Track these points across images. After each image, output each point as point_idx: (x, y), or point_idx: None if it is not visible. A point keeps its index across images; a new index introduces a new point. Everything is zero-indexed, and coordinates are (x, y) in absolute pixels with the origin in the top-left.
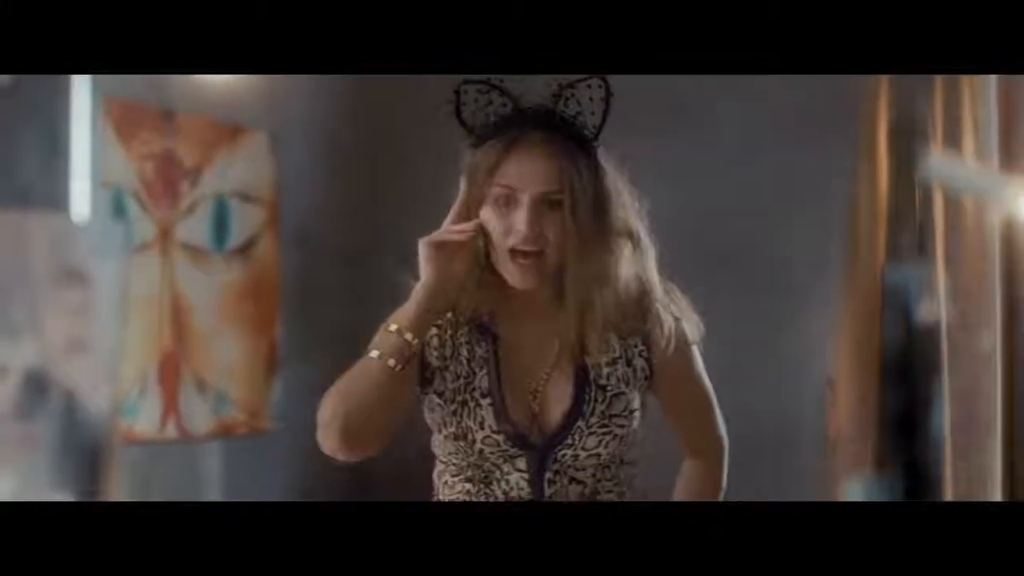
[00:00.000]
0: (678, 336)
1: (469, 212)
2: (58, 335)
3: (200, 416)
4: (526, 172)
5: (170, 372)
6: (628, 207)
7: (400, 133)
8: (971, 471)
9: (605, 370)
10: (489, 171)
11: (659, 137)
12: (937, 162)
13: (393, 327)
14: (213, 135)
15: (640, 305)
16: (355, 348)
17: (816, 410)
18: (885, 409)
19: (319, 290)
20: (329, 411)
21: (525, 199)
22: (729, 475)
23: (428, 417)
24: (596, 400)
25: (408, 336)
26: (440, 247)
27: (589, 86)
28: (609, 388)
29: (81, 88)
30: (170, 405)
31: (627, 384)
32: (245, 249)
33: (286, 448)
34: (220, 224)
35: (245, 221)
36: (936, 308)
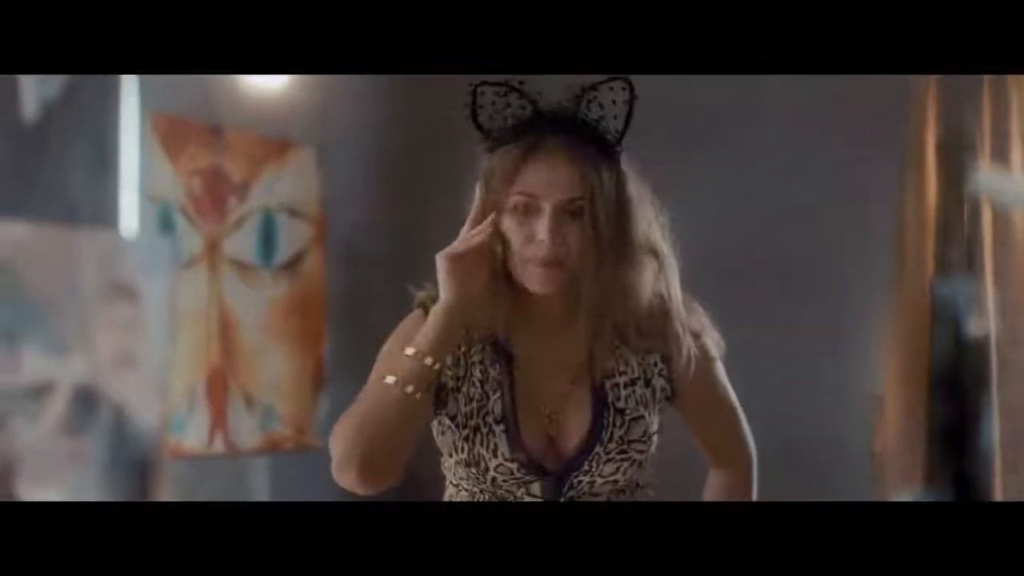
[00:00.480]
0: (701, 353)
1: (494, 224)
2: (107, 350)
3: (247, 431)
4: (547, 179)
5: (218, 387)
6: (651, 219)
7: (447, 147)
8: (1021, 484)
9: (623, 392)
10: (507, 177)
11: (708, 146)
12: (985, 176)
13: (411, 351)
14: (261, 150)
15: (660, 323)
16: None
17: (864, 424)
18: (933, 423)
19: (366, 305)
20: (345, 445)
21: (547, 208)
22: (774, 488)
23: (439, 440)
24: (614, 425)
25: (428, 360)
26: (460, 260)
27: (612, 88)
28: (627, 412)
29: (129, 103)
30: (218, 420)
31: (645, 406)
32: (292, 264)
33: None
34: (267, 239)
35: (292, 236)
36: (985, 322)
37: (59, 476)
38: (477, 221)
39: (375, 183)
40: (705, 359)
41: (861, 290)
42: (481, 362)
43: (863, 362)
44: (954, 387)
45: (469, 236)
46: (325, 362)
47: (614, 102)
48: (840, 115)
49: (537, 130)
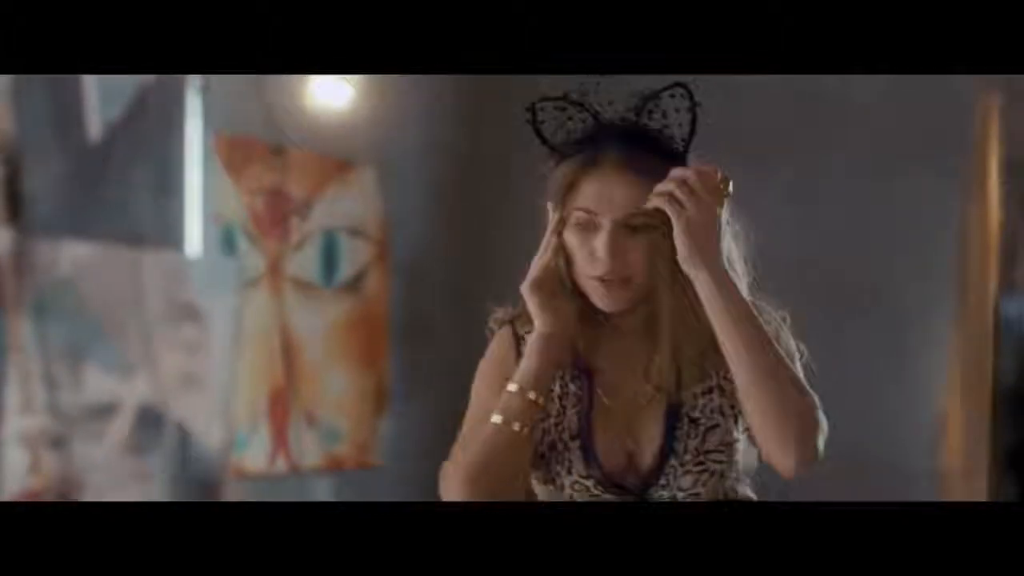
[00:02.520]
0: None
1: (559, 238)
2: (171, 370)
3: (309, 450)
4: (605, 194)
5: (280, 406)
6: (722, 230)
7: (508, 166)
8: None
9: (700, 401)
10: (566, 192)
11: (771, 171)
12: None
13: (514, 387)
14: (322, 170)
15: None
16: (464, 384)
17: (928, 444)
18: (998, 443)
19: (428, 324)
20: (460, 490)
21: (606, 223)
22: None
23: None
24: (688, 436)
25: (531, 395)
26: (541, 286)
27: (672, 95)
28: (702, 421)
29: (193, 123)
30: (280, 439)
31: (723, 415)
32: (354, 284)
33: (394, 483)
34: (329, 259)
35: (354, 256)
36: None
37: (124, 495)
38: (551, 241)
39: (436, 202)
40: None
41: (925, 310)
42: (561, 377)
43: (927, 382)
44: (1019, 406)
45: (537, 258)
46: (387, 381)
47: (677, 110)
48: (903, 137)
49: (598, 143)
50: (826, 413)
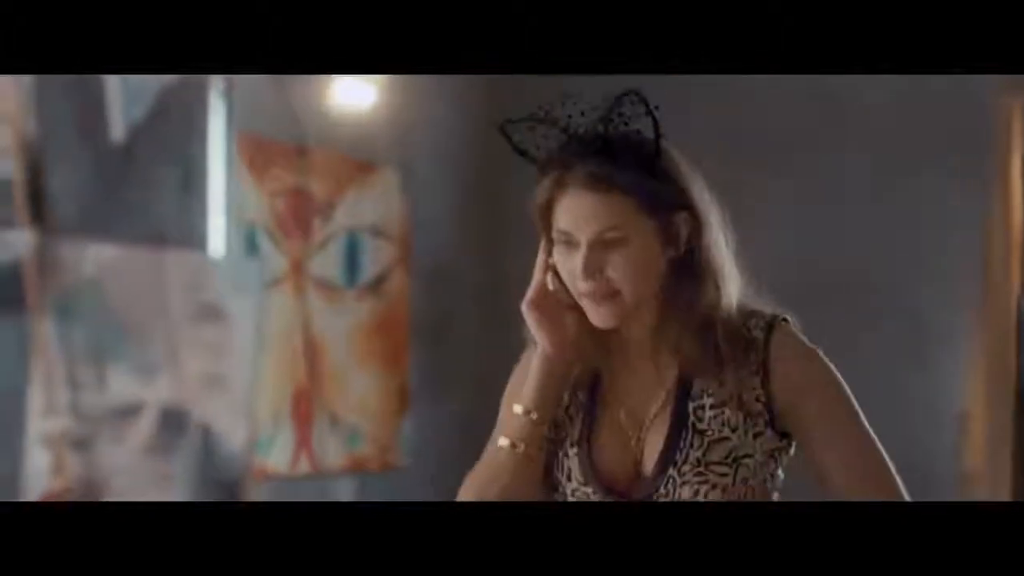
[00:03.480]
0: (802, 376)
1: (547, 256)
2: (194, 371)
3: (332, 451)
4: (578, 214)
5: (303, 407)
6: (713, 230)
7: (531, 167)
8: None
9: (708, 413)
10: (543, 213)
11: (791, 170)
12: None
13: (518, 408)
14: (345, 170)
15: (735, 338)
16: (486, 385)
17: (950, 443)
18: (1022, 441)
19: (450, 325)
20: None
21: (583, 242)
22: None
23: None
24: (691, 446)
25: (533, 416)
26: (538, 306)
27: (632, 102)
28: (709, 433)
29: (216, 124)
30: (303, 440)
31: (734, 429)
32: (376, 284)
33: (416, 484)
34: (352, 259)
35: (376, 256)
36: None
37: (146, 496)
38: (543, 260)
39: (459, 203)
40: (808, 382)
41: (947, 309)
42: (570, 385)
43: (949, 381)
44: None
45: (533, 279)
46: (409, 382)
47: (638, 115)
48: (924, 135)
49: (566, 160)
50: None
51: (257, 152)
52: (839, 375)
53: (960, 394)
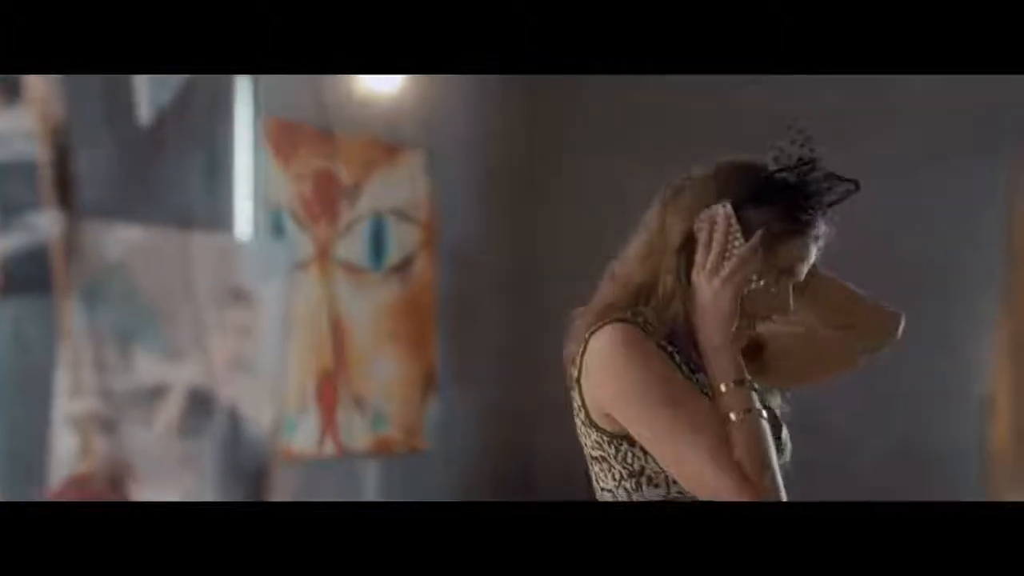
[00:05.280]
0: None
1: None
2: (221, 354)
3: (358, 434)
4: (803, 258)
5: (328, 390)
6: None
7: (557, 151)
8: None
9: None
10: (772, 239)
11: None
12: None
13: (727, 385)
14: (371, 154)
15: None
16: (511, 368)
17: (976, 425)
18: None
19: (476, 308)
20: (778, 487)
21: (791, 283)
22: (886, 489)
23: (622, 464)
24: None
25: (749, 379)
26: (733, 282)
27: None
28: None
29: (243, 107)
30: (328, 422)
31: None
32: (402, 267)
33: (442, 467)
34: (377, 242)
35: (402, 239)
36: None
37: (172, 479)
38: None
39: (485, 186)
40: None
41: (973, 290)
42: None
43: (975, 363)
44: None
45: (727, 261)
46: (435, 365)
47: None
48: (952, 117)
49: (817, 209)
50: (876, 393)
51: (283, 135)
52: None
53: (986, 375)
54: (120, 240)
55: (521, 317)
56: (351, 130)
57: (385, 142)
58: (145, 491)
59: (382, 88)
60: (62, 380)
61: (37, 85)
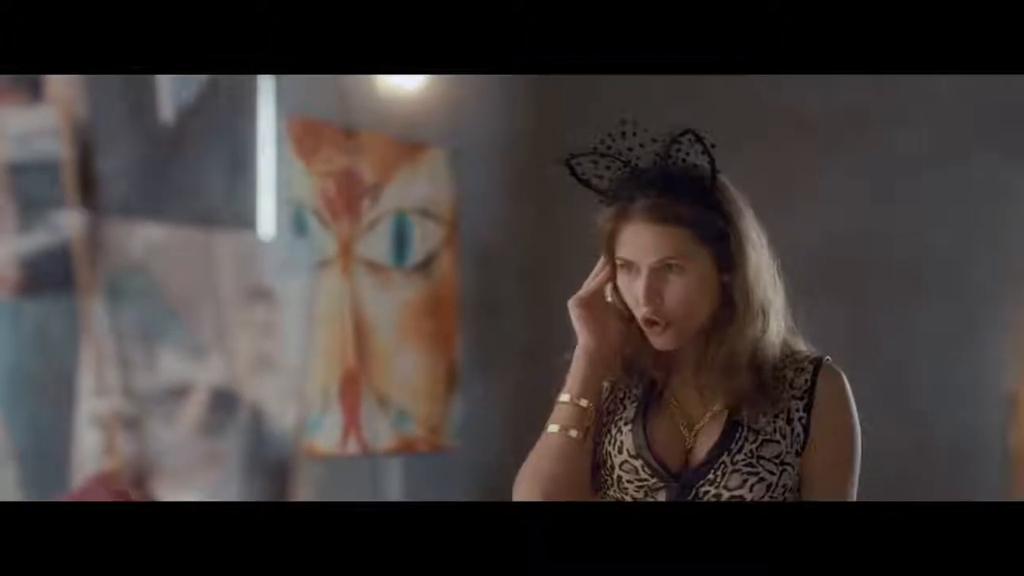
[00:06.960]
0: (830, 415)
1: (612, 273)
2: (244, 352)
3: (381, 432)
4: (639, 242)
5: (351, 388)
6: (763, 267)
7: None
8: None
9: (762, 419)
10: (608, 241)
11: (842, 146)
12: None
13: (565, 397)
14: (393, 152)
15: (780, 373)
16: (535, 366)
17: (997, 422)
18: None
19: (498, 306)
20: (525, 495)
21: (643, 269)
22: (906, 488)
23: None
24: (746, 439)
25: (583, 403)
26: (586, 305)
27: (690, 140)
28: (762, 432)
29: (265, 106)
30: (351, 421)
31: (783, 437)
32: (425, 265)
33: (465, 465)
34: (400, 241)
35: (425, 237)
36: None
37: (196, 477)
38: (600, 270)
39: (507, 184)
40: (834, 431)
41: (994, 287)
42: (626, 386)
43: (996, 360)
44: None
45: (588, 281)
46: (458, 363)
47: (696, 152)
48: (974, 113)
49: (630, 191)
50: (896, 390)
51: (306, 133)
52: (858, 430)
53: (1007, 373)
54: (143, 239)
55: (544, 314)
56: (374, 128)
57: (408, 140)
58: (169, 490)
59: (404, 87)
60: (85, 379)
61: (60, 85)
